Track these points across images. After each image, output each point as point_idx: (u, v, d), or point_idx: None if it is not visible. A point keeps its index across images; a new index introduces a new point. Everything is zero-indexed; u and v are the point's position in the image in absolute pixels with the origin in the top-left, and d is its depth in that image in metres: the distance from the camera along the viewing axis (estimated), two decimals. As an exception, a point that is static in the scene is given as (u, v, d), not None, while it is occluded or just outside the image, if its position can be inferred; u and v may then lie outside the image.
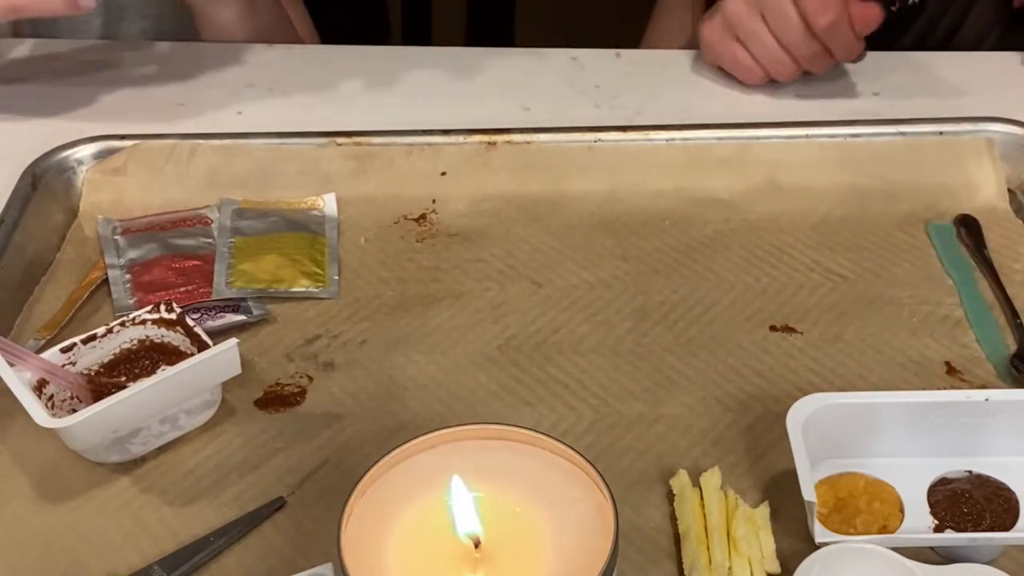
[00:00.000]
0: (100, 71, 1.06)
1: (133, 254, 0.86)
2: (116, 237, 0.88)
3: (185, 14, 1.12)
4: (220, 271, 0.85)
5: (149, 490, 0.72)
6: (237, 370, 0.73)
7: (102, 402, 0.68)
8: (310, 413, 0.77)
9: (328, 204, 0.92)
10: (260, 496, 0.71)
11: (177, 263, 0.85)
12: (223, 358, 0.72)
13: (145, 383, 0.70)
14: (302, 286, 0.85)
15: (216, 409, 0.75)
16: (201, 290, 0.84)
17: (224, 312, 0.82)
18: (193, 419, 0.74)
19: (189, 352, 0.75)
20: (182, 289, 0.84)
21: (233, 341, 0.72)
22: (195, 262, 0.86)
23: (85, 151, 0.94)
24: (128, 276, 0.85)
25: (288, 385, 0.78)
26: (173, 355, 0.76)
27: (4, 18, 0.90)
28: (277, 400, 0.77)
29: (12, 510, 0.71)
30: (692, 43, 1.23)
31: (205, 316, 0.82)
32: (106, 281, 0.85)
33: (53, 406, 0.72)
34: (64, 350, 0.74)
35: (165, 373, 0.71)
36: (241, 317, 0.82)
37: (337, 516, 0.58)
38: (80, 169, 0.93)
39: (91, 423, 0.68)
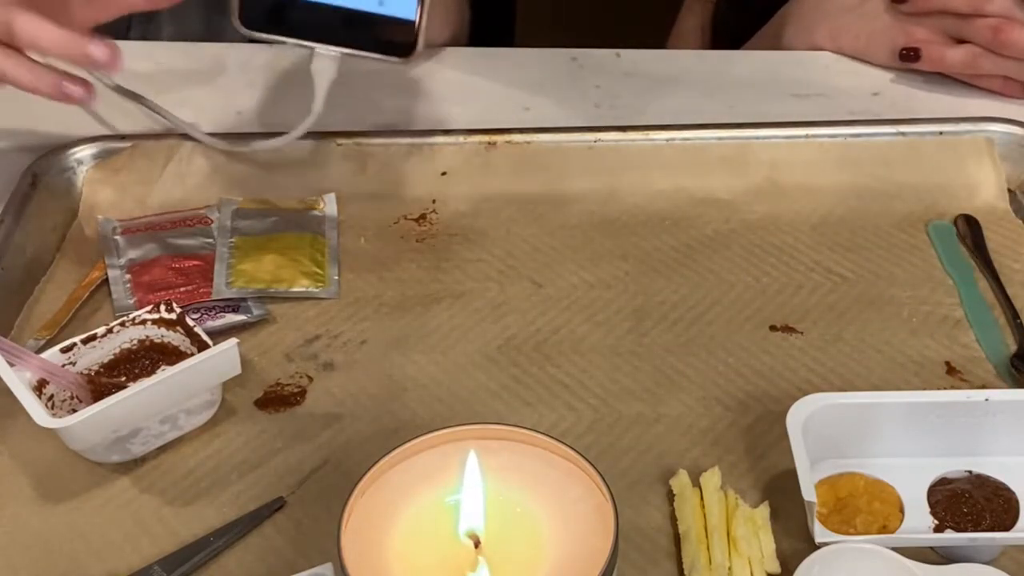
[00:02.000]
0: (100, 71, 1.06)
1: (133, 254, 0.86)
2: (116, 237, 0.88)
3: (212, 16, 1.12)
4: (220, 271, 0.85)
5: (149, 490, 0.72)
6: (237, 370, 0.73)
7: (102, 402, 0.68)
8: (310, 413, 0.77)
9: (328, 204, 0.92)
10: (260, 496, 0.71)
11: (177, 263, 0.85)
12: (223, 358, 0.72)
13: (145, 383, 0.70)
14: (302, 286, 0.85)
15: (216, 409, 0.75)
16: (201, 290, 0.84)
17: (224, 312, 0.82)
18: (193, 419, 0.74)
19: (189, 352, 0.75)
20: (182, 289, 0.84)
21: (233, 341, 0.72)
22: (195, 262, 0.86)
23: (85, 151, 0.94)
24: (128, 276, 0.85)
25: (288, 385, 0.78)
26: (173, 355, 0.76)
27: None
28: (277, 400, 0.77)
29: (12, 510, 0.71)
30: (710, 40, 1.24)
31: (205, 316, 0.82)
32: (106, 281, 0.85)
33: (53, 406, 0.72)
34: (64, 350, 0.74)
35: (165, 373, 0.71)
36: (241, 317, 0.82)
37: (337, 516, 0.58)
38: (80, 169, 0.93)
39: (91, 423, 0.68)
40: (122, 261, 0.86)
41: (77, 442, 0.70)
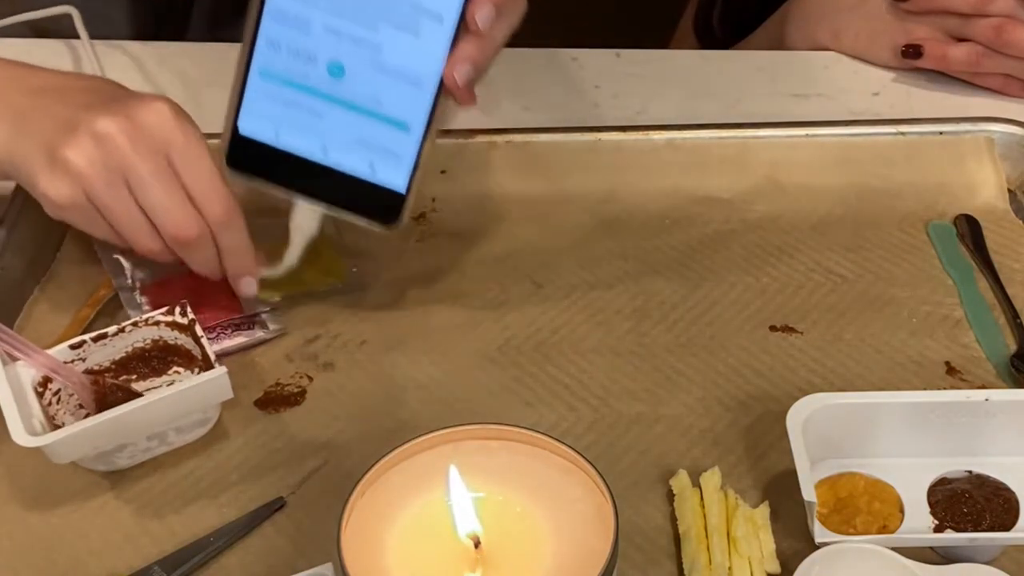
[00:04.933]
0: (100, 71, 1.06)
1: (141, 274, 0.84)
2: (116, 256, 0.85)
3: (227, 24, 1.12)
4: None
5: (149, 490, 0.72)
6: (229, 394, 0.72)
7: (80, 422, 0.68)
8: (310, 413, 0.77)
9: None
10: (260, 496, 0.71)
11: (190, 281, 0.82)
12: (213, 384, 0.71)
13: (128, 407, 0.69)
14: (327, 284, 0.84)
15: (211, 426, 0.74)
16: (226, 307, 0.82)
17: (249, 329, 0.81)
18: (184, 436, 0.73)
19: (199, 358, 0.74)
20: (204, 308, 0.80)
21: (222, 369, 0.71)
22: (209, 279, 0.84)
23: (85, 151, 0.93)
24: (144, 298, 0.83)
25: (288, 385, 0.78)
26: (186, 357, 0.76)
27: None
28: (277, 400, 0.77)
29: (12, 510, 0.71)
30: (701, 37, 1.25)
31: (222, 335, 0.80)
32: (113, 299, 0.83)
33: (59, 401, 0.72)
34: (73, 347, 0.74)
35: (151, 396, 0.70)
36: (259, 334, 0.81)
37: (337, 516, 0.58)
38: (80, 169, 0.93)
39: (71, 440, 0.68)
40: (132, 282, 0.84)
41: (58, 457, 0.69)
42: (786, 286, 0.86)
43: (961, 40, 1.02)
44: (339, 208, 0.77)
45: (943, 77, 1.05)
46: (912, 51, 1.03)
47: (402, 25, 0.72)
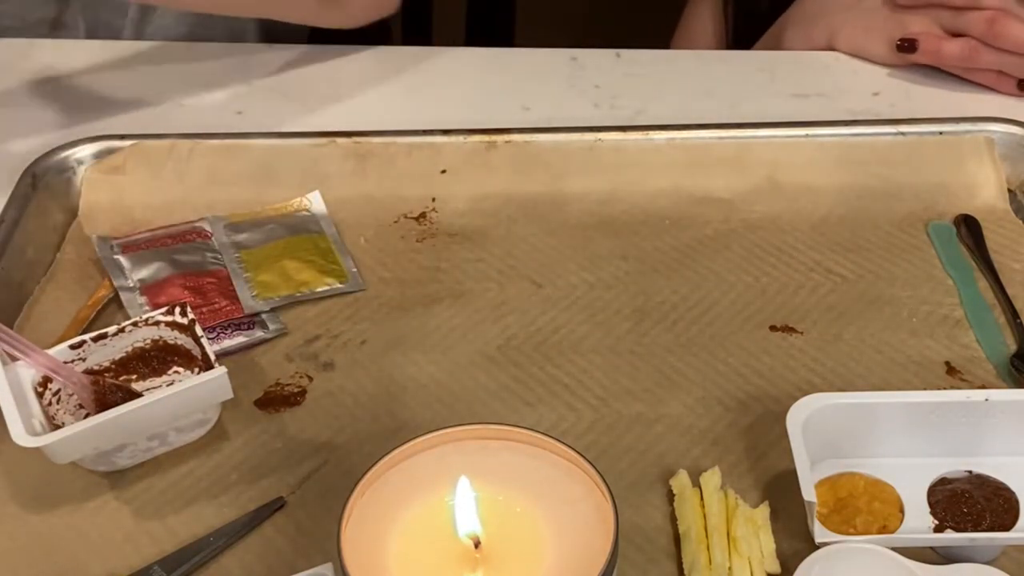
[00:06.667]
0: (100, 71, 1.06)
1: (142, 274, 0.84)
2: (117, 256, 0.86)
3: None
4: (242, 287, 0.84)
5: (149, 490, 0.72)
6: (229, 394, 0.72)
7: (81, 423, 0.68)
8: (310, 413, 0.77)
9: (315, 203, 0.91)
10: (260, 496, 0.71)
11: (191, 281, 0.84)
12: (213, 385, 0.71)
13: (128, 407, 0.69)
14: (327, 284, 0.84)
15: (211, 427, 0.74)
16: (225, 308, 0.82)
17: (249, 329, 0.81)
18: (184, 436, 0.73)
19: (199, 357, 0.74)
20: (204, 309, 0.82)
21: (222, 369, 0.71)
22: (209, 279, 0.84)
23: (85, 151, 0.94)
24: (144, 298, 0.83)
25: (288, 385, 0.78)
26: (186, 357, 0.75)
27: None
28: (277, 400, 0.77)
29: (12, 510, 0.71)
30: (723, 41, 1.24)
31: (222, 335, 0.81)
32: (112, 300, 0.83)
33: (59, 401, 0.72)
34: (73, 347, 0.74)
35: (151, 397, 0.70)
36: (260, 333, 0.82)
37: (337, 516, 0.58)
38: (80, 169, 0.93)
39: (71, 440, 0.68)
40: (132, 282, 0.84)
41: (58, 457, 0.69)
42: (786, 286, 0.86)
43: (956, 35, 1.02)
44: None
45: (943, 77, 1.05)
46: (907, 45, 1.03)
47: None
